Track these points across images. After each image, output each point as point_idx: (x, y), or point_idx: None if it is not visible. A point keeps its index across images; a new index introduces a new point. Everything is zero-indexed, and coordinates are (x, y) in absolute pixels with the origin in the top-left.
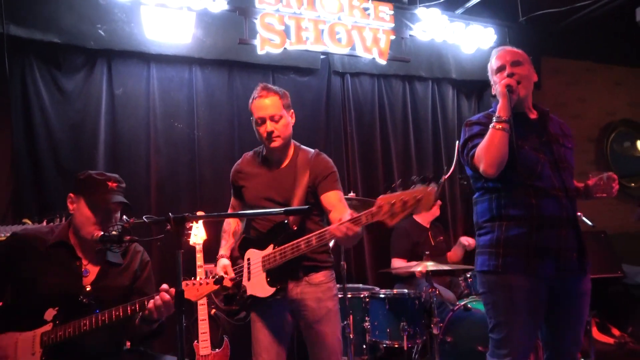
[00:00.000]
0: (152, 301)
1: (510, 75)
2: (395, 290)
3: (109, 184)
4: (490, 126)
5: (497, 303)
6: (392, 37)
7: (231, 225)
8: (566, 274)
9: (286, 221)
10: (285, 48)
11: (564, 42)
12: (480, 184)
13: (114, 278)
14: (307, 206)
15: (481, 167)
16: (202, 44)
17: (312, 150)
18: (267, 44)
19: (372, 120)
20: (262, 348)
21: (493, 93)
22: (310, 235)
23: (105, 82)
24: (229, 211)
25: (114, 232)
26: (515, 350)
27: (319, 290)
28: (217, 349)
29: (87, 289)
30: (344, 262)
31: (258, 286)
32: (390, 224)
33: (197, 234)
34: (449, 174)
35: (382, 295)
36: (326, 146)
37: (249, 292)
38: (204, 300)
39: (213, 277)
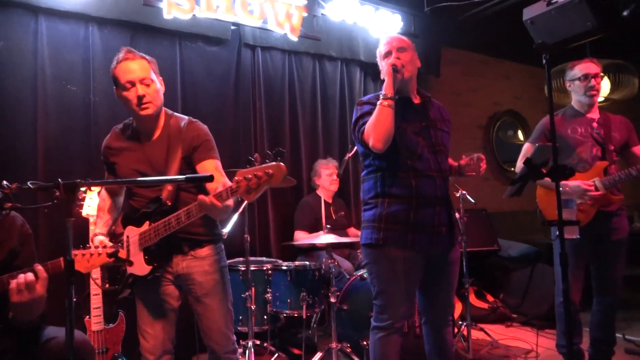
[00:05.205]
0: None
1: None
2: (296, 263)
3: None
4: (377, 104)
5: (379, 273)
6: (305, 14)
7: (105, 202)
8: (438, 246)
9: (160, 196)
10: (194, 15)
11: (463, 34)
12: (368, 161)
13: None
14: (209, 174)
15: (370, 142)
16: (102, 1)
17: (185, 118)
18: (174, 8)
19: (282, 96)
20: (145, 323)
21: (382, 77)
22: (180, 211)
23: None
24: (104, 190)
25: None
26: (395, 315)
27: (205, 264)
28: (111, 324)
29: None
30: (247, 235)
31: (137, 264)
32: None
33: (91, 205)
34: (352, 152)
35: (284, 267)
36: (234, 120)
37: (128, 271)
38: (97, 274)
39: (104, 247)
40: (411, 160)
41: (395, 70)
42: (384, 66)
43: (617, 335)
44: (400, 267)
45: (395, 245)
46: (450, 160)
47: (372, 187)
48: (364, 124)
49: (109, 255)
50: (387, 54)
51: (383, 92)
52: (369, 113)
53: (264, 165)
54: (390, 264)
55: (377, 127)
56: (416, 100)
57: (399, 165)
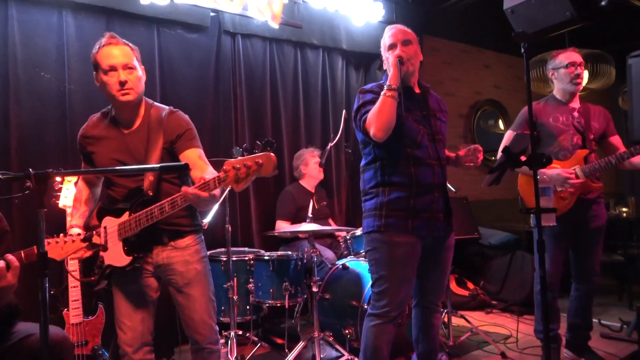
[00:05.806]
0: None
1: None
2: (279, 252)
3: None
4: (381, 93)
5: (379, 259)
6: (286, 1)
7: (82, 193)
8: (436, 231)
9: (141, 187)
10: (172, 1)
11: (444, 23)
12: (368, 150)
13: None
14: (184, 163)
15: (372, 131)
16: None
17: (166, 108)
18: None
19: (263, 85)
20: (124, 315)
21: (384, 67)
22: (163, 201)
23: None
24: (81, 181)
25: None
26: (393, 302)
27: (186, 254)
28: (90, 317)
29: None
30: (229, 225)
31: (115, 255)
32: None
33: (68, 196)
34: (335, 141)
35: (266, 257)
36: (215, 109)
37: (106, 262)
38: (75, 266)
39: (79, 235)
40: (411, 148)
41: (401, 62)
42: (388, 57)
43: (593, 320)
44: (400, 252)
45: (396, 231)
46: (446, 152)
47: (372, 177)
48: (366, 112)
49: (83, 240)
50: (392, 47)
51: (388, 82)
52: (371, 102)
53: (253, 155)
54: (391, 249)
55: (379, 116)
56: (417, 90)
57: (398, 154)
